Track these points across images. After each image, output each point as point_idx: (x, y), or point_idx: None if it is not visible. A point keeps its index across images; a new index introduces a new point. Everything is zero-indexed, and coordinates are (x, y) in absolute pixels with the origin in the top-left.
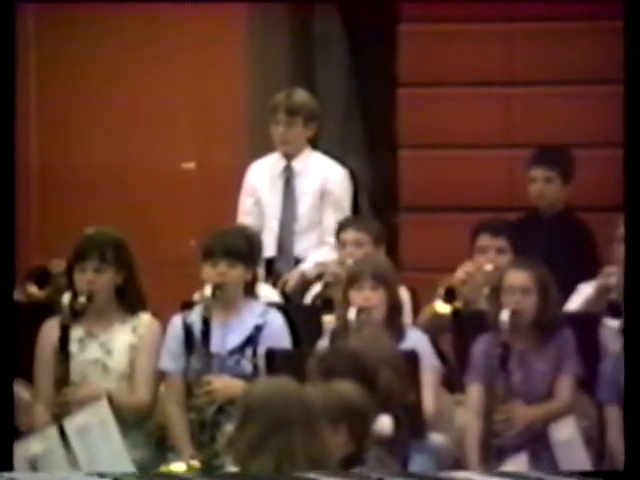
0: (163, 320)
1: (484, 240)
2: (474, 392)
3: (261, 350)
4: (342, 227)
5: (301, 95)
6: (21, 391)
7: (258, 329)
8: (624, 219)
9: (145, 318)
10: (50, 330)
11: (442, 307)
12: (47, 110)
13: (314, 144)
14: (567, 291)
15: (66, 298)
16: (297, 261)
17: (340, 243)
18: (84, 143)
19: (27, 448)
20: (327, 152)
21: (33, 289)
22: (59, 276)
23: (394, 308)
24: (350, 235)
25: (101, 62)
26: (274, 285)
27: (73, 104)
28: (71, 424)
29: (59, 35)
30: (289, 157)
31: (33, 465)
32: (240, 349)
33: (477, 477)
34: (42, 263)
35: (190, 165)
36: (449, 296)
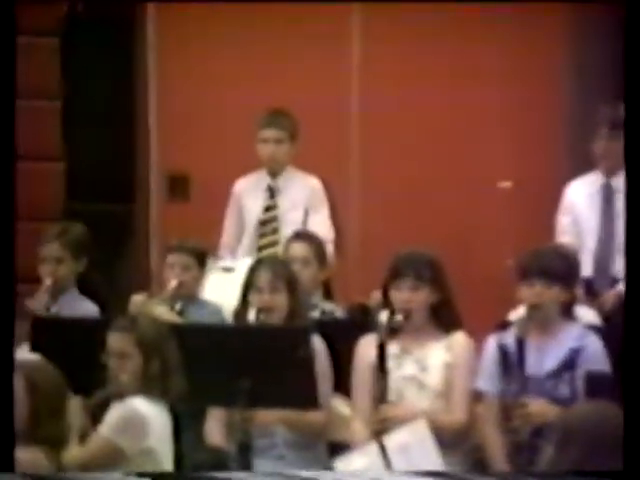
0: (477, 339)
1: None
2: None
3: (579, 374)
4: None
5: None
6: (340, 406)
7: (576, 352)
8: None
9: (459, 337)
10: (367, 347)
11: None
12: None
13: None
14: None
15: (383, 316)
16: (615, 281)
17: None
18: None
19: (349, 463)
20: None
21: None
22: (377, 309)
23: None
24: None
25: None
26: (592, 306)
27: None
28: (392, 442)
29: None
30: (609, 174)
31: None
32: (557, 372)
33: None
34: (362, 300)
35: (507, 184)
36: None
